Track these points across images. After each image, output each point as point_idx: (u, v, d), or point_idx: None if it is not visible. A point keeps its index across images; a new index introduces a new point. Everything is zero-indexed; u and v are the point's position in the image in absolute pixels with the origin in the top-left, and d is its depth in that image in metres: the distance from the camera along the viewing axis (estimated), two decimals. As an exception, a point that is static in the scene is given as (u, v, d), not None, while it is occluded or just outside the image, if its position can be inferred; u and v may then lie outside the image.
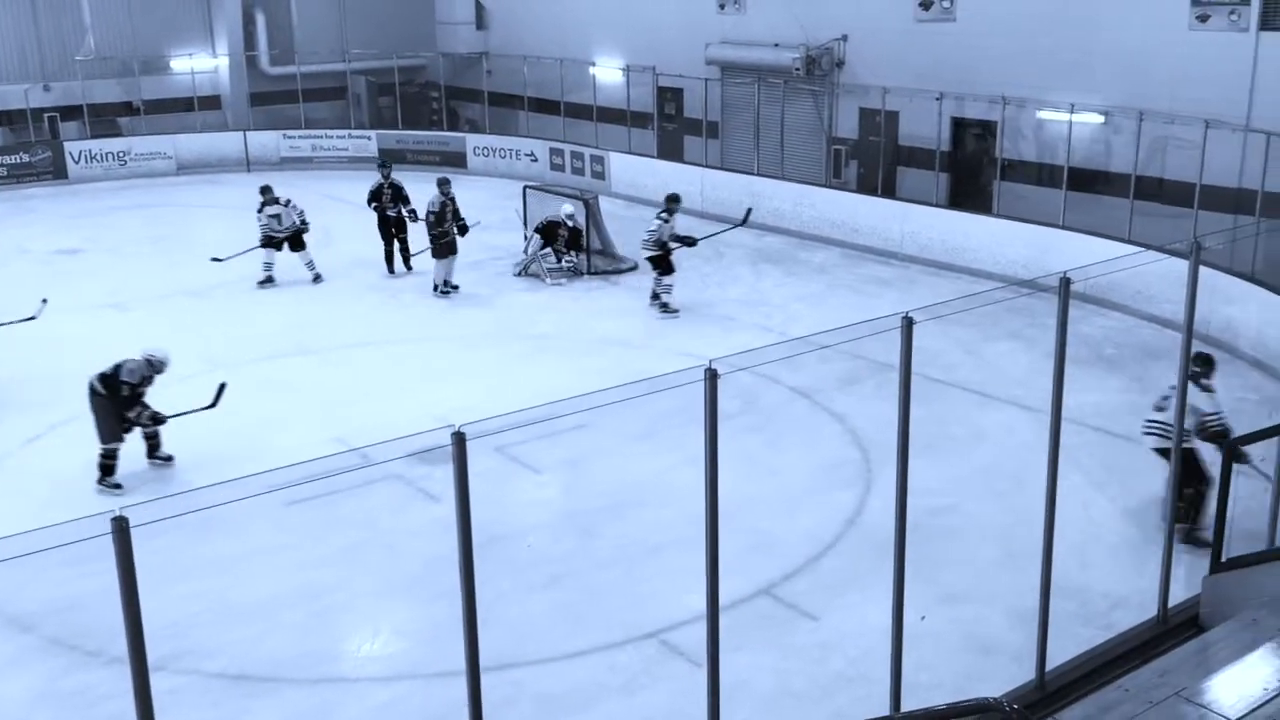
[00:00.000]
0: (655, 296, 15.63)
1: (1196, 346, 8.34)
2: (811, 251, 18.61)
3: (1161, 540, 7.31)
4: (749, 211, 16.76)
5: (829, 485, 10.49)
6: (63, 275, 17.71)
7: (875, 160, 19.84)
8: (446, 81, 28.31)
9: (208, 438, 10.81)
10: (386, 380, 13.15)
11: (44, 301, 12.44)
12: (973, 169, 19.07)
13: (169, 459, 10.91)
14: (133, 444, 10.64)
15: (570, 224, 17.38)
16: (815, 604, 8.55)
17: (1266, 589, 6.64)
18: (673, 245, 15.40)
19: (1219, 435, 8.69)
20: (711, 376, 5.05)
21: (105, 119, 26.31)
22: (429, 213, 16.43)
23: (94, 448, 10.43)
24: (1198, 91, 15.62)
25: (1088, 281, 13.49)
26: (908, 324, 5.63)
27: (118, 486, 10.36)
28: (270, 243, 16.79)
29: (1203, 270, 7.02)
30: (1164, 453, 8.76)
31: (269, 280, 16.85)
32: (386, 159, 18.94)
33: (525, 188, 19.15)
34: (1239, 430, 8.65)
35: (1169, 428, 8.11)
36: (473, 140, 26.23)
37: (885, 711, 6.03)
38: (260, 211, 16.74)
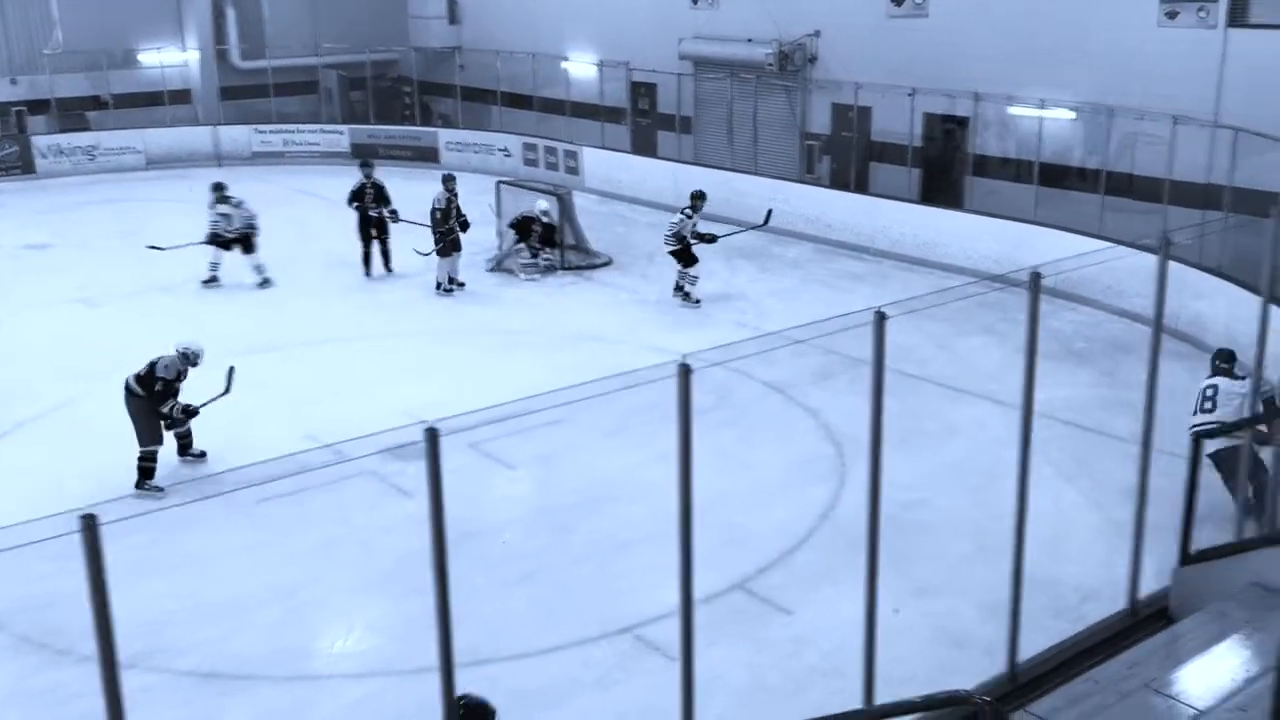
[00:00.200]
0: (679, 288, 15.91)
1: (1166, 341, 8.41)
2: (785, 247, 18.65)
3: (1131, 533, 7.37)
4: (769, 213, 16.80)
5: (803, 480, 10.53)
6: (31, 270, 17.56)
7: (848, 156, 19.89)
8: (419, 76, 28.18)
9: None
10: (359, 376, 13.09)
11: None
12: (945, 165, 19.16)
13: (202, 455, 10.82)
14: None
15: (545, 220, 17.36)
16: (789, 598, 8.59)
17: (1234, 581, 6.70)
18: (692, 241, 15.69)
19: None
20: (684, 372, 5.04)
21: (73, 113, 26.04)
22: (434, 210, 16.31)
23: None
24: (1167, 88, 15.76)
25: (1058, 276, 13.56)
26: (880, 319, 5.64)
27: (159, 489, 10.18)
28: (217, 241, 16.47)
29: (1172, 265, 7.07)
30: (1215, 456, 8.60)
31: (214, 280, 16.52)
32: (368, 158, 18.64)
33: (499, 183, 19.11)
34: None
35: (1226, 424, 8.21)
36: (445, 135, 26.14)
37: (858, 705, 6.05)
38: (211, 208, 16.48)
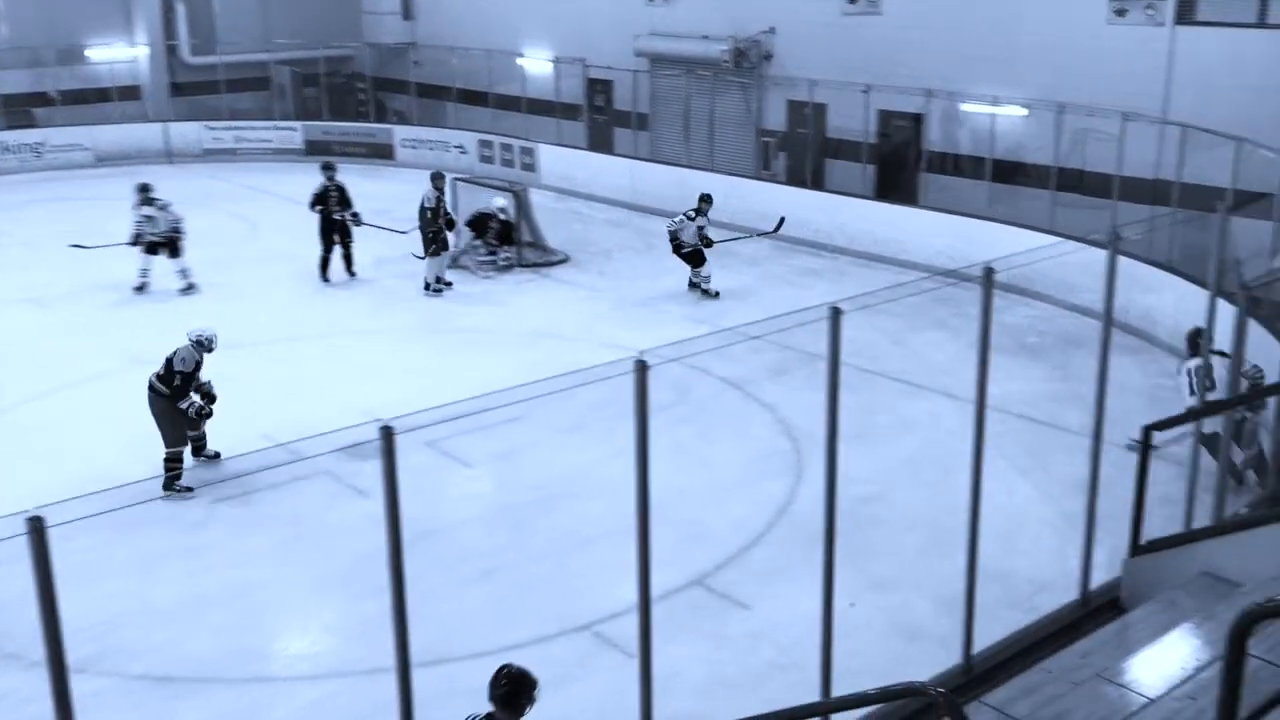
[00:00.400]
0: (693, 285, 16.10)
1: (1117, 335, 8.50)
2: (742, 243, 18.70)
3: (1083, 524, 7.47)
4: (781, 220, 16.85)
5: (760, 475, 10.57)
6: (-23, 270, 17.25)
7: (804, 152, 19.98)
8: (373, 72, 28.00)
9: (135, 433, 10.58)
10: (315, 375, 12.98)
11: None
12: (899, 161, 19.29)
13: (216, 455, 10.72)
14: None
15: (502, 217, 17.30)
16: (747, 594, 8.62)
17: (1184, 571, 6.81)
18: (688, 244, 15.85)
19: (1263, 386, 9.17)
20: (641, 368, 5.05)
21: (19, 110, 25.56)
22: (424, 209, 16.09)
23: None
24: (1116, 85, 15.97)
25: (1011, 272, 13.65)
26: (835, 315, 5.68)
27: (189, 490, 10.08)
28: (140, 242, 16.01)
29: (1121, 260, 7.18)
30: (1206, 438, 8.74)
31: (144, 287, 16.09)
32: (331, 161, 18.07)
33: (454, 179, 18.99)
34: (1153, 417, 8.85)
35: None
36: (400, 132, 25.98)
37: (816, 698, 6.09)
38: (135, 209, 16.06)
